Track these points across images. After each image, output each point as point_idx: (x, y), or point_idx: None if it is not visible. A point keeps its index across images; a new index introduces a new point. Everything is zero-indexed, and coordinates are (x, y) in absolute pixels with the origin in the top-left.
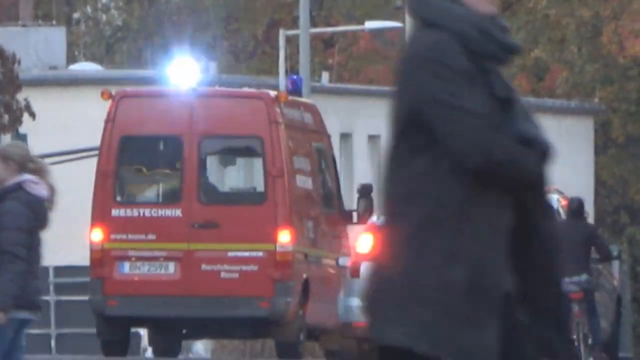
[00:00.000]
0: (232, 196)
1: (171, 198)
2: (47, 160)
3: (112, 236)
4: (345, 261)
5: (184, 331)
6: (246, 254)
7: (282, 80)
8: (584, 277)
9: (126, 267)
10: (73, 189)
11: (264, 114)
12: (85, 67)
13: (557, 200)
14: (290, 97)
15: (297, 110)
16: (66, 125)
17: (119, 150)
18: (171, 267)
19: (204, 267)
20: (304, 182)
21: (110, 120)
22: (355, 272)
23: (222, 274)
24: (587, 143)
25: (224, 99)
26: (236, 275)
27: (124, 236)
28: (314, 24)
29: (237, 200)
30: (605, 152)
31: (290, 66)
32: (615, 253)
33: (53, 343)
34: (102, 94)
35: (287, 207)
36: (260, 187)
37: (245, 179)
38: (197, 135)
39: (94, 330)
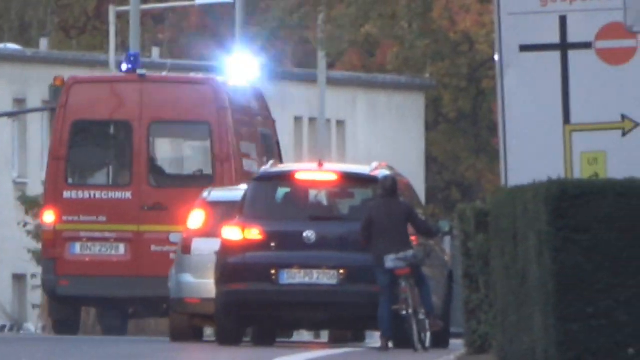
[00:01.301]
0: (180, 179)
1: (121, 181)
2: None
3: (64, 217)
4: (177, 237)
5: (130, 310)
6: None
7: (113, 57)
8: (410, 252)
9: (77, 247)
10: None
11: (211, 99)
12: None
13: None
14: (238, 84)
15: (244, 96)
16: None
17: (71, 134)
18: (121, 248)
19: (153, 248)
20: (250, 165)
21: (62, 105)
22: (186, 249)
23: (171, 255)
24: (417, 119)
25: (172, 85)
26: None
27: (75, 218)
28: (144, 0)
29: (186, 184)
30: (436, 128)
31: (121, 42)
32: (446, 229)
33: None
34: (55, 79)
35: None
36: (208, 171)
37: (193, 162)
38: (146, 120)
39: None
